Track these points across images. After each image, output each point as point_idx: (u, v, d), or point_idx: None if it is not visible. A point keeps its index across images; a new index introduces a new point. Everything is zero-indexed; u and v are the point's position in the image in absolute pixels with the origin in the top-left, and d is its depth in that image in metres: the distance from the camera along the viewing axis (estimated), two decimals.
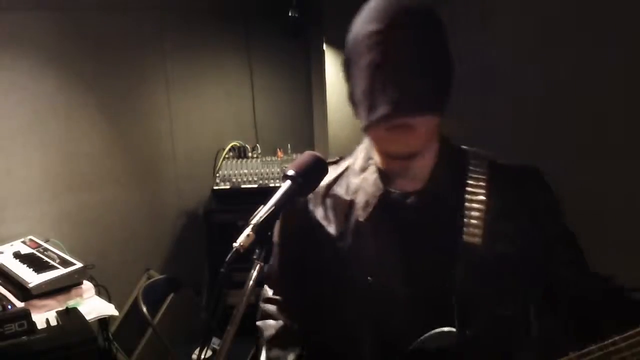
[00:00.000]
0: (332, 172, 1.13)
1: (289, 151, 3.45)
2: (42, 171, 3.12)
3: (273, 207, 0.98)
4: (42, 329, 2.01)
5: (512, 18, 2.39)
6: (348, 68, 1.02)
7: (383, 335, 1.05)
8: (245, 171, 3.28)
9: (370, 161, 1.11)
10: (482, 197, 1.02)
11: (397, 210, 1.06)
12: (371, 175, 1.09)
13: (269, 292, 1.26)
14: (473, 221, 1.01)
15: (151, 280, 3.00)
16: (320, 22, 3.32)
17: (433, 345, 0.99)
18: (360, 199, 1.09)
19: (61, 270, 2.41)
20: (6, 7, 2.93)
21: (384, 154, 1.07)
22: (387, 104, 0.93)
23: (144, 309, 2.47)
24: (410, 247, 1.04)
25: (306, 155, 1.08)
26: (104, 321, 2.48)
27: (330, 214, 1.12)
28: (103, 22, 3.24)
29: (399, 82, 0.93)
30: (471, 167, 1.06)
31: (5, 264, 2.54)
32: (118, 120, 3.36)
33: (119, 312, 2.73)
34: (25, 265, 2.49)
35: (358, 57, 0.98)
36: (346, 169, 1.15)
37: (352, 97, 1.02)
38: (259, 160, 3.39)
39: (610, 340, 0.88)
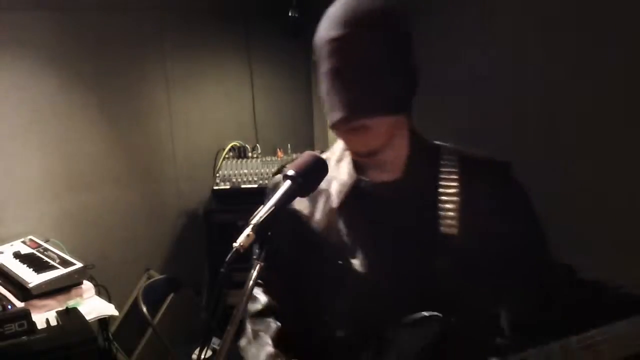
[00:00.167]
0: None
1: (289, 151, 3.45)
2: (42, 171, 3.12)
3: (273, 207, 0.98)
4: (42, 329, 2.00)
5: (512, 18, 2.39)
6: (317, 70, 1.07)
7: (355, 318, 1.08)
8: (245, 171, 3.28)
9: (346, 152, 1.16)
10: (454, 190, 1.06)
11: (368, 198, 1.11)
12: (346, 165, 1.15)
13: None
14: (447, 213, 1.05)
15: (151, 280, 3.00)
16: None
17: (413, 328, 1.02)
18: (334, 188, 1.14)
19: (61, 270, 2.41)
20: (6, 7, 2.93)
21: (352, 153, 1.13)
22: (342, 107, 1.00)
23: (144, 309, 2.47)
24: (380, 234, 1.09)
25: (306, 155, 1.08)
26: (104, 321, 2.48)
27: (308, 201, 1.15)
28: (103, 22, 3.24)
29: (354, 86, 0.99)
30: (443, 162, 1.10)
31: (5, 264, 2.54)
32: (118, 120, 3.36)
33: (119, 312, 2.73)
34: (25, 265, 2.49)
35: (320, 61, 1.04)
36: (327, 159, 1.20)
37: (320, 88, 1.08)
38: (259, 160, 3.39)
39: (588, 334, 0.91)
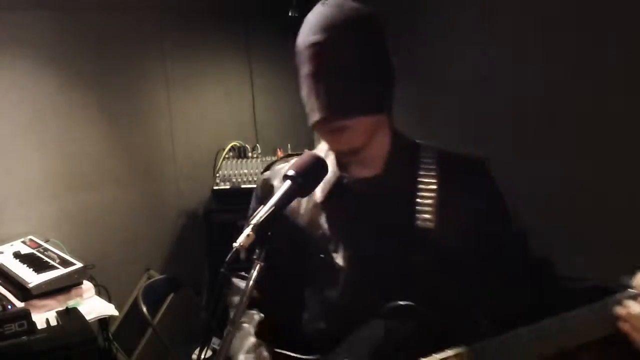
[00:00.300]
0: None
1: (289, 151, 3.45)
2: (42, 171, 3.12)
3: (273, 207, 0.99)
4: (42, 329, 2.00)
5: (512, 18, 2.39)
6: (298, 74, 1.11)
7: (335, 310, 1.12)
8: (245, 171, 3.28)
9: (330, 150, 1.19)
10: (432, 187, 1.10)
11: (350, 194, 1.15)
12: (330, 163, 1.17)
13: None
14: (425, 208, 1.09)
15: (151, 280, 2.99)
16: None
17: (387, 318, 1.06)
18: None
19: (61, 270, 2.41)
20: (6, 7, 2.93)
21: (333, 152, 1.17)
22: (322, 108, 1.05)
23: (144, 309, 2.46)
24: (360, 229, 1.13)
25: (306, 155, 1.09)
26: (104, 321, 2.47)
27: None
28: (103, 22, 3.24)
29: (333, 88, 1.04)
30: (422, 159, 1.14)
31: (5, 264, 2.54)
32: (118, 120, 3.36)
33: (119, 312, 2.73)
34: (25, 265, 2.49)
35: (301, 65, 1.09)
36: None
37: (301, 91, 1.12)
38: (259, 160, 3.39)
39: (540, 324, 0.95)
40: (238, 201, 3.22)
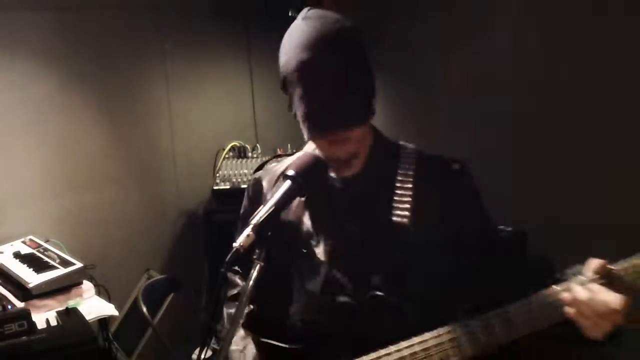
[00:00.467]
0: (287, 161, 1.29)
1: (289, 151, 3.45)
2: (42, 171, 3.12)
3: (273, 207, 0.99)
4: (42, 329, 2.00)
5: (512, 18, 2.39)
6: (285, 85, 1.13)
7: (316, 302, 1.16)
8: (245, 171, 3.27)
9: (316, 150, 1.21)
10: (409, 184, 1.14)
11: (332, 191, 1.19)
12: None
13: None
14: (401, 205, 1.13)
15: (151, 280, 2.99)
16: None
17: (364, 307, 1.11)
18: None
19: (61, 270, 2.41)
20: (6, 7, 2.93)
21: (327, 158, 1.18)
22: (320, 126, 1.08)
23: (144, 309, 2.46)
24: (339, 224, 1.17)
25: (306, 155, 1.09)
26: (104, 321, 2.47)
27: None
28: (103, 22, 3.24)
29: (330, 106, 1.07)
30: (401, 158, 1.18)
31: (5, 264, 2.54)
32: (118, 120, 3.36)
33: (119, 312, 2.73)
34: (25, 265, 2.49)
35: (292, 84, 1.10)
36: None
37: (291, 109, 1.14)
38: (258, 160, 3.38)
39: (505, 308, 0.99)
40: (238, 201, 3.18)
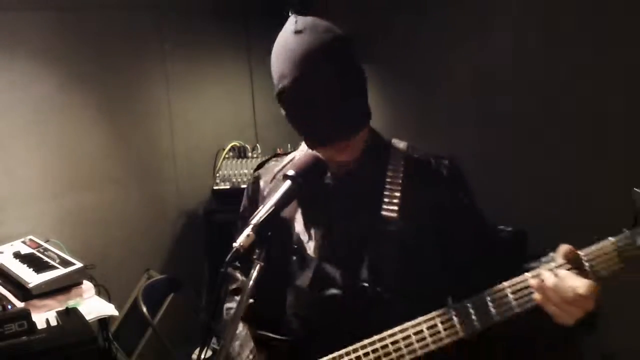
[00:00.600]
0: (285, 160, 1.32)
1: (289, 151, 3.44)
2: (42, 171, 3.12)
3: (273, 207, 0.99)
4: (42, 329, 2.00)
5: (512, 18, 2.39)
6: (280, 97, 1.15)
7: (306, 296, 1.18)
8: (245, 171, 3.27)
9: (308, 150, 1.23)
10: (398, 183, 1.17)
11: (324, 188, 1.21)
12: None
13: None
14: (391, 200, 1.16)
15: (151, 280, 2.99)
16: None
17: (353, 300, 1.14)
18: None
19: (61, 270, 2.41)
20: (6, 7, 2.93)
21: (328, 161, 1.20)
22: (319, 140, 1.12)
23: (144, 309, 2.46)
24: (329, 220, 1.20)
25: (306, 155, 1.10)
26: (104, 321, 2.47)
27: (273, 192, 1.20)
28: (103, 22, 3.24)
29: (325, 121, 1.10)
30: (391, 156, 1.21)
31: (5, 264, 2.54)
32: (118, 120, 3.36)
33: (119, 312, 2.73)
34: (25, 265, 2.49)
35: (287, 99, 1.13)
36: (294, 157, 1.32)
37: (288, 120, 1.17)
38: (259, 160, 3.38)
39: (480, 295, 1.00)
40: (238, 201, 3.19)
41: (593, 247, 0.95)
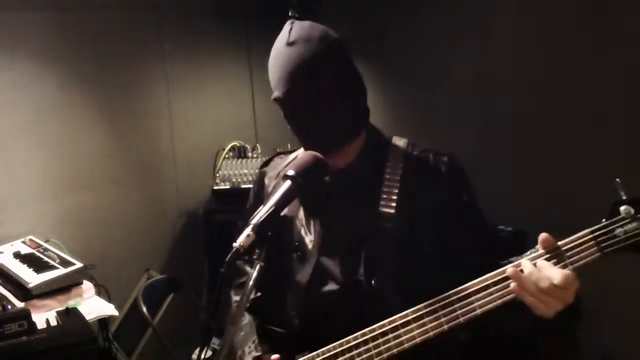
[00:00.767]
0: (290, 157, 1.37)
1: (292, 150, 3.44)
2: (42, 171, 3.11)
3: (273, 207, 0.99)
4: (42, 329, 2.00)
5: (512, 18, 2.39)
6: (277, 103, 1.17)
7: (304, 290, 1.21)
8: (245, 171, 3.27)
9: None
10: (396, 181, 1.18)
11: (324, 186, 1.21)
12: None
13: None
14: (389, 196, 1.17)
15: (151, 280, 2.99)
16: (321, 22, 3.31)
17: (350, 295, 1.16)
18: None
19: (61, 270, 2.40)
20: (6, 7, 2.93)
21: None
22: (316, 149, 1.12)
23: (144, 309, 2.46)
24: (329, 217, 1.22)
25: (306, 155, 1.09)
26: (104, 321, 2.47)
27: (277, 188, 1.21)
28: (103, 22, 3.24)
29: (321, 132, 1.14)
30: (390, 155, 1.22)
31: (5, 264, 2.54)
32: (118, 120, 3.36)
33: (119, 312, 2.73)
34: (25, 265, 2.49)
35: (283, 108, 1.17)
36: (297, 155, 1.36)
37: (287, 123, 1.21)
38: (259, 160, 3.38)
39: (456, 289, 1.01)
40: (238, 201, 3.19)
41: (570, 238, 0.95)
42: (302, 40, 1.11)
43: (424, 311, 1.02)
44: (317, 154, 1.12)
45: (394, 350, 1.03)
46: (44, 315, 2.15)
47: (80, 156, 3.23)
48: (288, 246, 1.25)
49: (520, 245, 2.00)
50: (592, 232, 0.93)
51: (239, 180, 3.25)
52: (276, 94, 1.15)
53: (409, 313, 1.03)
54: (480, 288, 0.99)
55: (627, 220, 0.91)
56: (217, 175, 3.30)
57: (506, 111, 2.41)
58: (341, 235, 1.20)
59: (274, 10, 3.44)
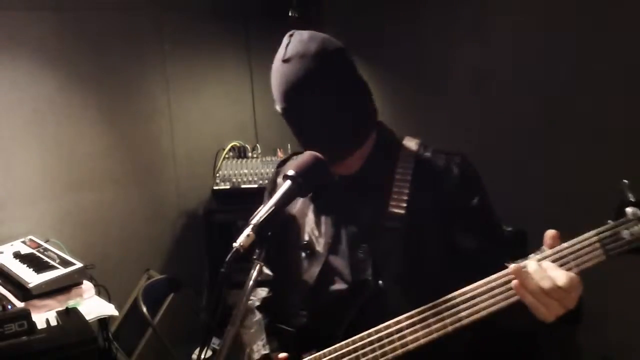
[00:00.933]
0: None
1: (289, 151, 3.45)
2: (42, 171, 3.11)
3: (273, 207, 0.99)
4: (42, 329, 2.00)
5: (512, 18, 2.39)
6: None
7: (312, 290, 1.22)
8: (245, 171, 3.27)
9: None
10: (408, 177, 1.17)
11: (333, 188, 1.24)
12: None
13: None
14: (400, 197, 1.16)
15: (151, 280, 3.00)
16: (321, 22, 3.32)
17: (358, 295, 1.17)
18: None
19: (61, 270, 2.41)
20: (6, 7, 2.93)
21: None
22: (326, 155, 1.11)
23: (144, 309, 2.47)
24: (339, 219, 1.23)
25: (306, 155, 1.10)
26: (104, 321, 2.47)
27: None
28: (103, 22, 3.24)
29: (324, 144, 1.13)
30: (401, 157, 1.21)
31: (5, 264, 2.54)
32: (118, 120, 3.36)
33: (119, 312, 2.73)
34: (25, 265, 2.49)
35: (287, 121, 1.18)
36: None
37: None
38: (259, 160, 3.38)
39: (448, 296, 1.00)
40: (238, 201, 3.22)
41: (576, 239, 0.92)
42: (298, 57, 1.11)
43: (429, 312, 1.01)
44: (317, 154, 1.12)
45: (399, 351, 1.03)
46: (44, 315, 2.15)
47: (80, 156, 3.23)
48: (297, 245, 1.25)
49: (521, 245, 2.00)
50: (597, 234, 0.91)
51: (239, 180, 3.24)
52: (277, 107, 1.17)
53: (414, 314, 1.03)
54: (485, 290, 0.97)
55: (633, 222, 0.89)
56: (217, 175, 3.30)
57: (506, 111, 2.41)
58: (350, 235, 1.21)
59: (274, 10, 3.47)
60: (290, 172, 1.05)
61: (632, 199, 0.90)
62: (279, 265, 1.35)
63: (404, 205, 1.15)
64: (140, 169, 3.46)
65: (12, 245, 2.82)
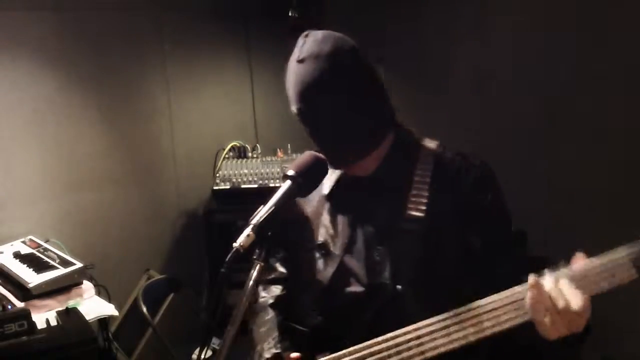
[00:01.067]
0: None
1: (289, 151, 3.45)
2: (42, 171, 3.11)
3: (273, 207, 0.99)
4: (42, 329, 2.00)
5: (512, 18, 2.39)
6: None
7: (327, 290, 1.21)
8: (245, 171, 3.27)
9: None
10: (427, 180, 1.16)
11: (349, 190, 1.24)
12: None
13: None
14: (418, 199, 1.15)
15: (151, 280, 3.00)
16: (321, 22, 3.32)
17: (370, 295, 1.16)
18: (325, 180, 1.22)
19: (61, 270, 2.40)
20: (6, 7, 2.93)
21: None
22: (336, 163, 1.17)
23: (144, 309, 2.47)
24: (355, 220, 1.21)
25: (306, 155, 1.10)
26: (104, 321, 2.47)
27: None
28: (103, 22, 3.24)
29: (338, 146, 1.14)
30: (420, 158, 1.20)
31: (5, 264, 2.54)
32: (118, 120, 3.36)
33: (119, 312, 2.73)
34: (25, 265, 2.49)
35: (302, 123, 1.17)
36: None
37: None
38: (259, 160, 3.38)
39: (471, 305, 0.98)
40: (238, 201, 3.22)
41: (607, 257, 0.90)
42: (312, 57, 1.10)
43: (451, 321, 0.99)
44: (317, 153, 1.13)
45: (417, 359, 1.01)
46: (44, 315, 2.15)
47: (80, 156, 3.23)
48: (311, 245, 1.24)
49: (520, 245, 1.99)
50: (628, 249, 0.89)
51: (239, 180, 3.24)
52: (292, 108, 1.15)
53: (434, 322, 1.01)
54: (510, 301, 0.95)
55: None
56: (217, 175, 3.30)
57: (506, 111, 2.41)
58: (367, 235, 1.19)
59: (274, 10, 3.47)
60: (290, 172, 1.05)
61: None
62: (293, 265, 1.35)
63: (423, 208, 1.13)
64: (140, 169, 3.46)
65: (12, 245, 2.82)
